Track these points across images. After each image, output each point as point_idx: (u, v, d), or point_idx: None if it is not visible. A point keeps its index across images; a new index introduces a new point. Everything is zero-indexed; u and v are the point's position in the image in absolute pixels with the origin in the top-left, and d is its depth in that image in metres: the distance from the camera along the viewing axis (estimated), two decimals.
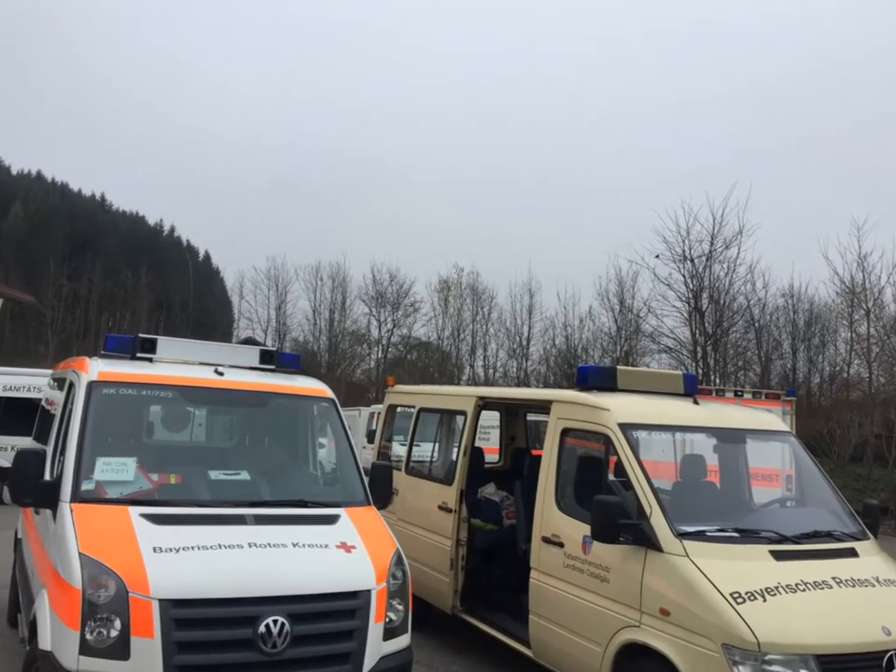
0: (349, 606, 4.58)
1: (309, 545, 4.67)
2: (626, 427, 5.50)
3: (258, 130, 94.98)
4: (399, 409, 8.99)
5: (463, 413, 7.54)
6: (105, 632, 4.01)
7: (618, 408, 5.69)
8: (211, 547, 4.41)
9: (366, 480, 5.56)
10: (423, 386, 10.25)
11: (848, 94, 66.52)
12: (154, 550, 4.28)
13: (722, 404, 7.14)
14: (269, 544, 4.55)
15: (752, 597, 4.52)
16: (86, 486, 4.70)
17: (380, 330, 47.20)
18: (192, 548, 4.35)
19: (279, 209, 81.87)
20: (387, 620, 4.73)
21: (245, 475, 5.35)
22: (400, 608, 4.87)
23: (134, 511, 4.57)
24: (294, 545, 4.61)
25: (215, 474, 5.27)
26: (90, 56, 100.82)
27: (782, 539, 5.12)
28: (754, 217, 27.08)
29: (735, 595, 4.51)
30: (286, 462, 5.94)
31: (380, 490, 5.56)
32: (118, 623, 4.02)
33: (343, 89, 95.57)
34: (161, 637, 4.04)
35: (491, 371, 43.48)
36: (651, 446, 5.98)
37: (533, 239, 59.75)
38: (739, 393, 12.10)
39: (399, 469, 7.95)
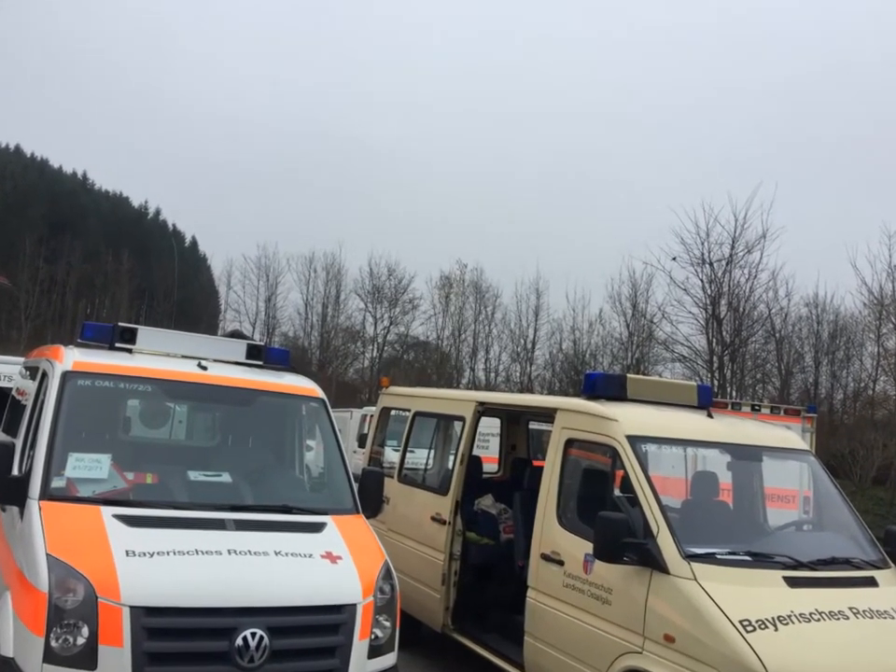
0: (333, 620, 4.58)
1: (292, 554, 4.68)
2: (635, 440, 5.50)
3: (253, 110, 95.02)
4: (392, 412, 8.99)
5: (461, 418, 7.55)
6: (71, 639, 4.01)
7: (626, 419, 5.69)
8: (188, 552, 4.41)
9: (355, 486, 5.56)
10: (419, 389, 10.26)
11: (883, 94, 66.54)
12: (127, 553, 4.28)
13: (738, 419, 7.15)
14: (249, 551, 4.55)
15: (763, 626, 4.52)
16: (56, 483, 4.70)
17: (375, 328, 47.32)
18: (168, 553, 4.36)
19: (272, 194, 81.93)
20: (373, 637, 4.74)
21: (226, 477, 5.36)
22: (387, 624, 4.88)
23: (107, 512, 4.57)
24: (276, 553, 4.62)
25: (194, 475, 5.27)
26: (76, 26, 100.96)
27: (797, 565, 5.12)
28: (778, 221, 27.19)
29: (745, 623, 4.51)
30: (270, 465, 5.95)
31: (370, 498, 5.57)
32: (85, 631, 4.02)
33: (345, 71, 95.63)
34: (131, 647, 4.05)
35: (493, 374, 43.57)
36: (661, 461, 5.98)
37: (542, 236, 59.77)
38: (757, 407, 12.11)
39: (391, 477, 7.95)
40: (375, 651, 4.76)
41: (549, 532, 5.97)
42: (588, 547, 5.32)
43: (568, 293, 40.68)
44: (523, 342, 42.16)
